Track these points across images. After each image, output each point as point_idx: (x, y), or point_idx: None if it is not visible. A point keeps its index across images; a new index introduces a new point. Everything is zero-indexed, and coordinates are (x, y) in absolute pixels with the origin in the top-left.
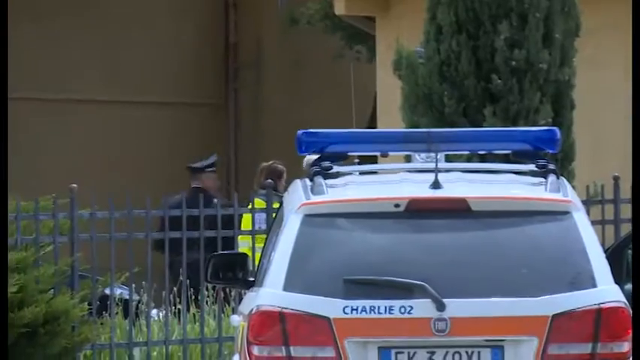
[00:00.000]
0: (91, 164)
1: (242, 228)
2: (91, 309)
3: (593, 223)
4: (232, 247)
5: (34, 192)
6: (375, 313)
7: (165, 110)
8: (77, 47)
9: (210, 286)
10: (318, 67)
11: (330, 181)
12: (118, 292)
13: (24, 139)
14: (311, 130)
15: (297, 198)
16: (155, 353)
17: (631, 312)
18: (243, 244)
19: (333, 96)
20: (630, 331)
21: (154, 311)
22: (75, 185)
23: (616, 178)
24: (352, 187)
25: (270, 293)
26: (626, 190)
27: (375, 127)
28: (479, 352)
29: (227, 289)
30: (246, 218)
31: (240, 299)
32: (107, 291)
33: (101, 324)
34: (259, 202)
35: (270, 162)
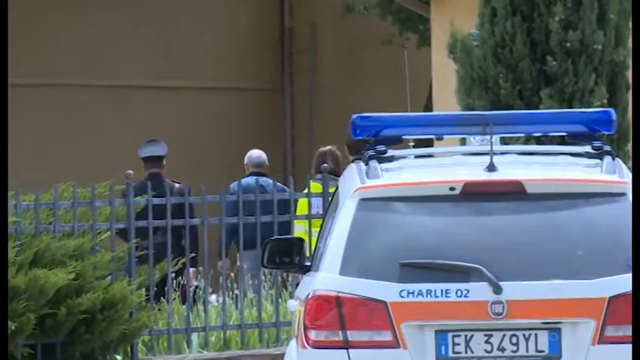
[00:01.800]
0: None
1: (298, 212)
2: (148, 295)
3: None
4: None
5: (91, 178)
6: (431, 296)
7: (220, 95)
8: (132, 33)
9: (267, 270)
10: (372, 52)
11: (385, 165)
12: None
13: (81, 125)
14: (366, 114)
15: (353, 182)
16: (213, 338)
17: None
18: (299, 229)
19: (387, 80)
20: None
21: (213, 296)
22: (131, 171)
23: None
24: (407, 171)
25: (327, 278)
26: None
27: (430, 111)
28: (536, 335)
29: (284, 274)
30: (302, 202)
31: (297, 284)
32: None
33: (159, 310)
34: (316, 187)
35: (328, 147)
